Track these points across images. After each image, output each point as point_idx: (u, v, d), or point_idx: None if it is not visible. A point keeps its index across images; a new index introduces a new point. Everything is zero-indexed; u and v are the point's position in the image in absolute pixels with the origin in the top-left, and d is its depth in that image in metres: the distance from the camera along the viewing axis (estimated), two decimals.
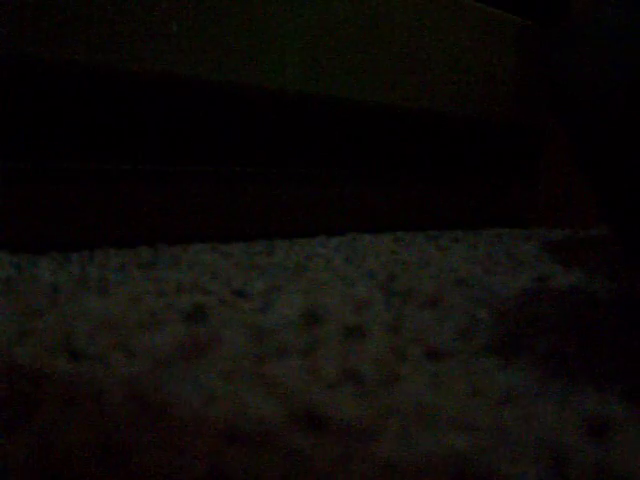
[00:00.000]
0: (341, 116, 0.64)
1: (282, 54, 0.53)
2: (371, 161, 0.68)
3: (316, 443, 0.19)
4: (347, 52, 0.58)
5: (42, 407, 0.20)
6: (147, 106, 0.51)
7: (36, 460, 0.17)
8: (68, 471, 0.17)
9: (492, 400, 0.22)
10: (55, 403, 0.20)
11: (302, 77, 0.55)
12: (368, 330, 0.29)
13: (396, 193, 0.68)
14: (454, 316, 0.33)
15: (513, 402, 0.22)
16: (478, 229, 0.74)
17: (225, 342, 0.27)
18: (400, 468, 0.17)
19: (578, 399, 0.23)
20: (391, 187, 0.67)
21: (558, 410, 0.22)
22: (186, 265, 0.42)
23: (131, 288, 0.34)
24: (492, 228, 0.76)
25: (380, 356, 0.26)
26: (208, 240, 0.53)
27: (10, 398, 0.20)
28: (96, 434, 0.18)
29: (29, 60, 0.42)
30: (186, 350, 0.26)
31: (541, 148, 0.81)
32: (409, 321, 0.31)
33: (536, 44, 0.77)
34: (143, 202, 0.49)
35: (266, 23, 0.52)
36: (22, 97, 0.45)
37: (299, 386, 0.22)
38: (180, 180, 0.51)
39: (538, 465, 0.18)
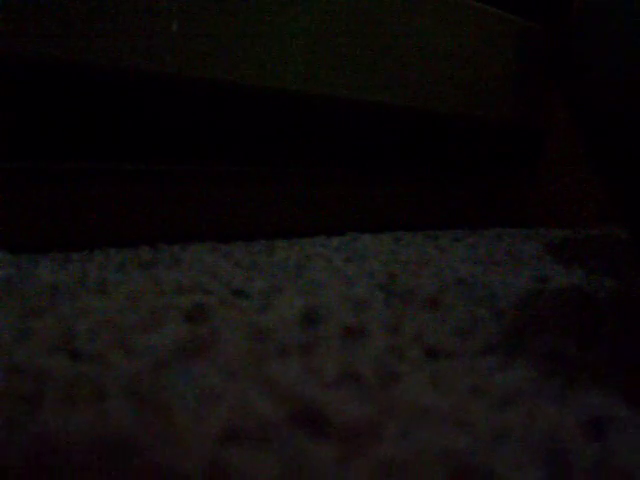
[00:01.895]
0: (341, 116, 0.64)
1: (283, 54, 0.53)
2: (371, 161, 0.68)
3: (316, 443, 0.19)
4: (346, 52, 0.58)
5: (42, 407, 0.20)
6: (147, 106, 0.51)
7: (37, 460, 0.17)
8: (68, 471, 0.17)
9: (492, 400, 0.22)
10: (55, 403, 0.20)
11: (302, 77, 0.55)
12: (368, 330, 0.29)
13: (396, 193, 0.68)
14: (454, 316, 0.33)
15: (513, 402, 0.22)
16: (478, 229, 0.74)
17: (225, 342, 0.27)
18: (400, 468, 0.17)
19: (578, 399, 0.23)
20: (391, 187, 0.67)
21: (558, 410, 0.22)
22: (186, 265, 0.42)
23: (131, 288, 0.34)
24: (492, 228, 0.76)
25: (380, 356, 0.26)
26: (208, 240, 0.53)
27: (10, 398, 0.20)
28: (96, 434, 0.18)
29: (28, 60, 0.42)
30: (186, 350, 0.26)
31: (541, 148, 0.81)
32: (409, 321, 0.31)
33: (537, 44, 0.77)
34: (143, 202, 0.49)
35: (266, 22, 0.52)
36: (22, 97, 0.45)
37: (299, 386, 0.22)
38: (180, 180, 0.51)
39: (538, 465, 0.18)
